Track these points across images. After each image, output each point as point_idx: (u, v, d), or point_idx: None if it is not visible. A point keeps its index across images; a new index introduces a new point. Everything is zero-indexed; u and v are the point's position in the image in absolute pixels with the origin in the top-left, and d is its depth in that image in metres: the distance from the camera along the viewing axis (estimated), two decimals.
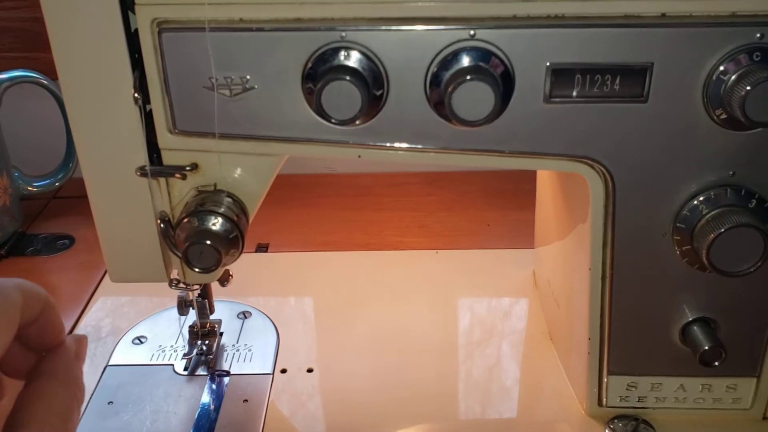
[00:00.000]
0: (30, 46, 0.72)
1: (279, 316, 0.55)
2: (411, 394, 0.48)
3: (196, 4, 0.34)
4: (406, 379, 0.49)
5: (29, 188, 0.69)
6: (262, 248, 0.65)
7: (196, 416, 0.45)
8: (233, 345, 0.51)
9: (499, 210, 0.71)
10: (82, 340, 0.31)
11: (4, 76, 0.64)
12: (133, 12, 0.34)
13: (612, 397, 0.44)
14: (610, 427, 0.44)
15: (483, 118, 0.34)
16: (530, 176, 0.56)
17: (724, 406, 0.44)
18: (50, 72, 0.65)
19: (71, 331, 0.54)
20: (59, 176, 0.70)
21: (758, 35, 0.33)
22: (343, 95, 0.33)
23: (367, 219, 0.70)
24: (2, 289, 0.26)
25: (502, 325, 0.54)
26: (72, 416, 0.27)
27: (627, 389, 0.44)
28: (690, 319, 0.41)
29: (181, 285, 0.43)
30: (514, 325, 0.54)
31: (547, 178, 0.52)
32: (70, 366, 0.29)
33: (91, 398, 0.47)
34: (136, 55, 0.35)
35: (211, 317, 0.50)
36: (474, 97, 0.33)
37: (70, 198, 0.73)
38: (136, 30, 0.35)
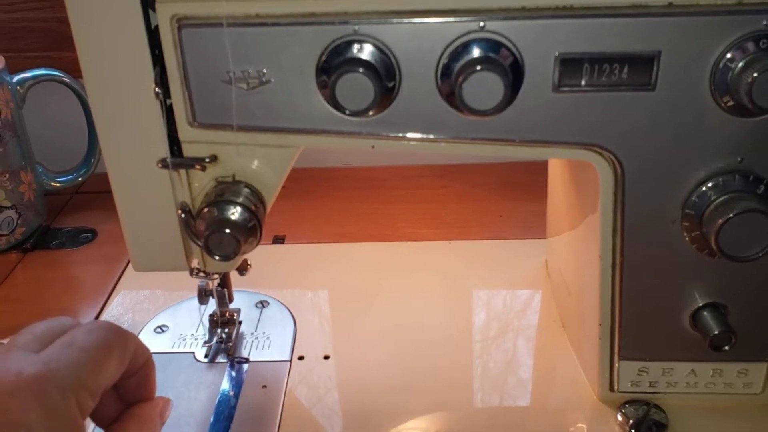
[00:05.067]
0: (53, 45, 0.74)
1: (296, 305, 0.56)
2: (425, 381, 0.49)
3: (214, 1, 0.35)
4: (420, 366, 0.50)
5: (53, 184, 0.71)
6: (279, 240, 0.66)
7: (216, 402, 0.46)
8: (252, 333, 0.53)
9: (512, 202, 0.71)
10: (168, 403, 0.36)
11: (28, 74, 0.66)
12: (154, 9, 0.35)
13: (623, 382, 0.45)
14: (621, 411, 0.45)
15: (493, 108, 0.34)
16: (542, 168, 0.56)
17: (735, 391, 0.45)
18: (73, 71, 0.67)
19: (97, 318, 0.56)
20: (82, 172, 0.71)
21: (764, 22, 0.34)
22: (357, 87, 0.34)
23: (381, 211, 0.71)
24: (123, 332, 0.33)
25: (515, 314, 0.55)
26: None
27: (638, 374, 0.45)
28: (700, 304, 0.41)
29: (202, 274, 0.44)
30: (527, 314, 0.55)
31: (558, 168, 0.52)
32: (153, 418, 0.34)
33: None
34: (157, 51, 0.36)
35: (231, 306, 0.51)
36: (484, 88, 0.34)
37: (93, 193, 0.75)
38: (157, 27, 0.36)
